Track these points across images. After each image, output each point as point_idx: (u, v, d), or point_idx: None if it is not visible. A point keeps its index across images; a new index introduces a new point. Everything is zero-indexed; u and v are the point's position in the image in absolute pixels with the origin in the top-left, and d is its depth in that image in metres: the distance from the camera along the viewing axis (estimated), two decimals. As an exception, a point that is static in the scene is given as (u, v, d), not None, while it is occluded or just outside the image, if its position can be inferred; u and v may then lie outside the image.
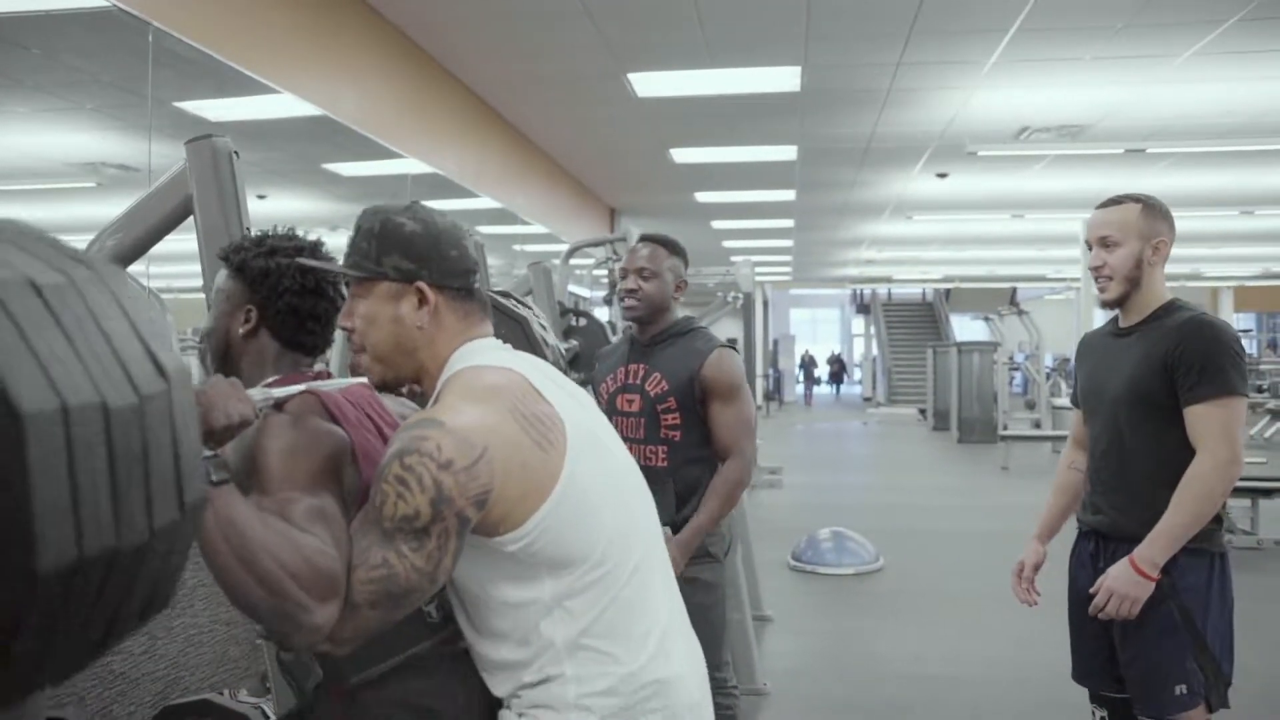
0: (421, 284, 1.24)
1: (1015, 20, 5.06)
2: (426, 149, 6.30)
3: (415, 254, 1.24)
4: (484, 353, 1.26)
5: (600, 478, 1.23)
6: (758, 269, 19.67)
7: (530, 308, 2.34)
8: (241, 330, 1.44)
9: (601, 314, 7.22)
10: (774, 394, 23.32)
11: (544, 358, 1.94)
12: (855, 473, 11.75)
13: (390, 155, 6.17)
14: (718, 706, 2.32)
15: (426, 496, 1.07)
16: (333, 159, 8.13)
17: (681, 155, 8.76)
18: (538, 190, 9.01)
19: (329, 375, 1.48)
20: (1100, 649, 2.16)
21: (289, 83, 4.62)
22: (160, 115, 6.67)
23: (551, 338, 2.06)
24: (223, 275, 1.48)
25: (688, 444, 2.42)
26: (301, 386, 1.31)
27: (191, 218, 2.01)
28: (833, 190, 10.68)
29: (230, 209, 1.97)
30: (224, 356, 1.46)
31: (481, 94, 6.96)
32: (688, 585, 2.38)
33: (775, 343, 24.97)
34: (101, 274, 0.77)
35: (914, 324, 25.75)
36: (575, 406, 1.28)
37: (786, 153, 8.58)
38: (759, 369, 19.67)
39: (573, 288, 7.78)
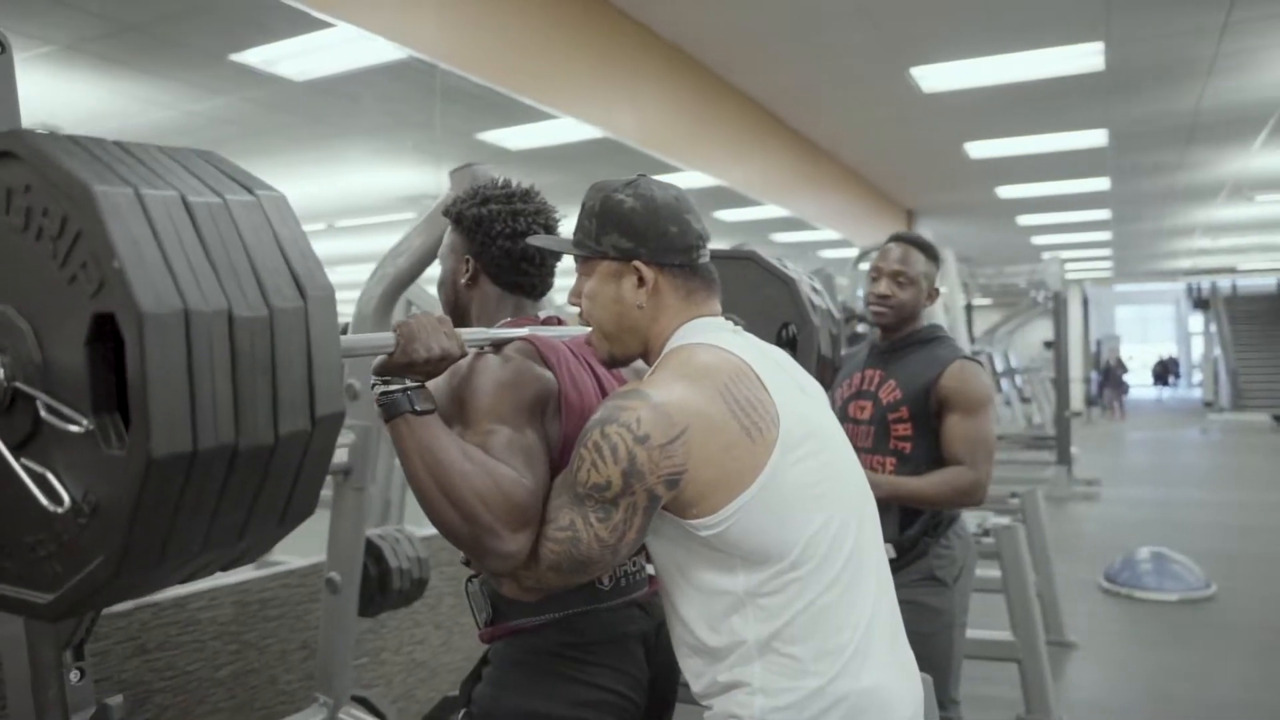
0: (639, 263, 1.23)
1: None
2: (709, 161, 6.40)
3: (633, 232, 1.22)
4: (705, 331, 1.23)
5: (813, 475, 1.15)
6: (1073, 265, 18.25)
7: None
8: (464, 280, 1.51)
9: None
10: (1096, 399, 21.47)
11: (811, 321, 1.86)
12: (1187, 486, 10.52)
13: (672, 170, 6.32)
14: None
15: (619, 468, 1.07)
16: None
17: (977, 149, 8.31)
18: (828, 195, 8.89)
19: (558, 321, 1.50)
20: None
21: (569, 107, 4.87)
22: (463, 147, 7.30)
23: (824, 300, 1.96)
24: (448, 230, 1.56)
25: (919, 457, 2.26)
26: (523, 331, 1.34)
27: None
28: (1154, 175, 9.69)
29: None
30: (455, 306, 1.54)
31: (763, 102, 6.97)
32: (908, 608, 2.22)
33: (1098, 344, 22.98)
34: (261, 202, 0.83)
35: (1265, 319, 22.72)
36: (799, 396, 1.22)
37: (1095, 138, 7.90)
38: (1077, 372, 18.24)
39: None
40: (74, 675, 1.08)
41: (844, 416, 2.36)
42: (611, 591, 1.37)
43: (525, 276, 1.50)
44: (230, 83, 5.67)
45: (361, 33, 3.73)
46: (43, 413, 0.76)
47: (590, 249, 1.25)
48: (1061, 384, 9.13)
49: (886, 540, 2.22)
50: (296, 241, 0.84)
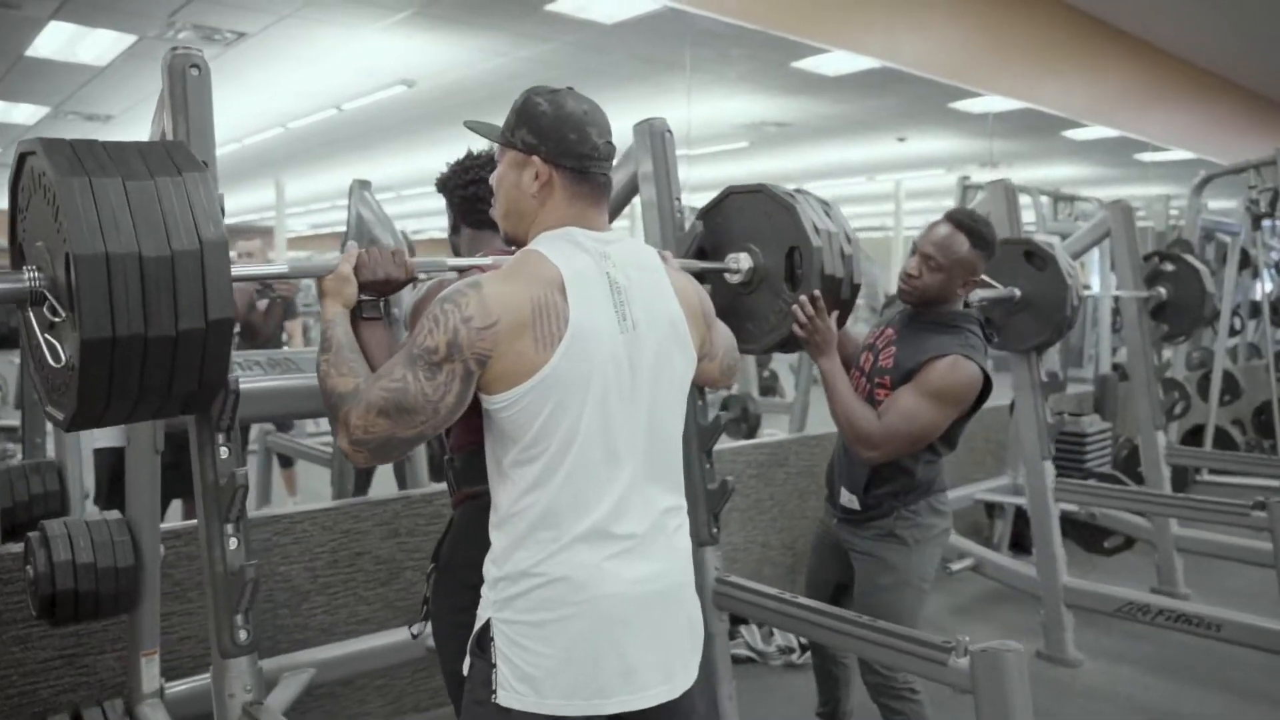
0: (537, 157, 1.40)
1: None
2: (1013, 82, 6.05)
3: (538, 130, 1.40)
4: (559, 241, 1.39)
5: (587, 385, 1.32)
6: None
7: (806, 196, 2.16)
8: (449, 225, 2.00)
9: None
10: None
11: (811, 243, 2.00)
12: None
13: (969, 94, 6.05)
14: (885, 709, 2.30)
15: (445, 337, 1.28)
16: (957, 99, 8.18)
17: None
18: (1185, 111, 7.96)
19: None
20: None
21: (847, 41, 4.86)
22: (779, 75, 7.42)
23: (831, 223, 2.04)
24: None
25: None
26: (483, 260, 1.63)
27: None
28: None
29: (662, 181, 2.29)
30: (454, 246, 1.98)
31: (1084, 7, 6.39)
32: (868, 560, 2.31)
33: None
34: (185, 180, 1.29)
35: None
36: (609, 317, 1.36)
37: None
38: None
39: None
40: (223, 450, 1.57)
41: (854, 362, 2.36)
42: None
43: (479, 215, 1.88)
44: (550, 29, 6.25)
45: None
46: (47, 308, 1.27)
47: (505, 139, 1.44)
48: None
49: (853, 492, 2.32)
50: (204, 206, 1.28)
